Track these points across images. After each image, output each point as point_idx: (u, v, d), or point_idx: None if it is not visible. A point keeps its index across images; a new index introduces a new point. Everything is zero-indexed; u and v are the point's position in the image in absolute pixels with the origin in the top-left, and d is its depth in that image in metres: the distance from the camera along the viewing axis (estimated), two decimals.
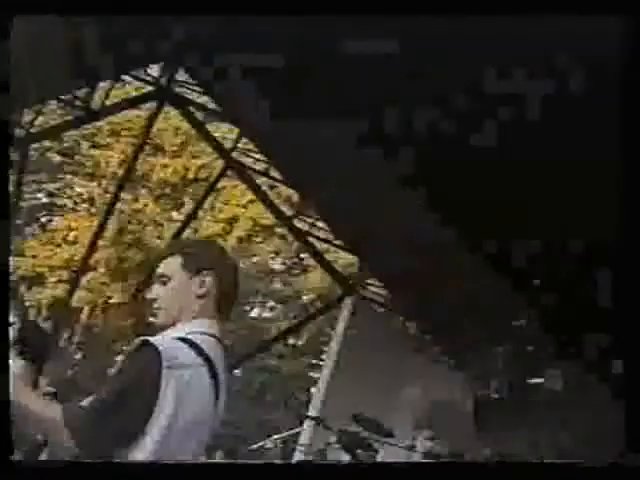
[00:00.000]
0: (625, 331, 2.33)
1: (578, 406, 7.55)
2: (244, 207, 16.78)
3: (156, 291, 2.41)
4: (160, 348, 2.19)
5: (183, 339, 2.27)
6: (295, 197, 9.77)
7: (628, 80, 2.47)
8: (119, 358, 2.53)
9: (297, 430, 7.79)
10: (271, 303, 18.81)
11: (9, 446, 2.11)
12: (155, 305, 2.41)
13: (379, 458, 6.57)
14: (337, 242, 10.17)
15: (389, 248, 8.53)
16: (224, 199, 16.97)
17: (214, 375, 2.32)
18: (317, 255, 10.39)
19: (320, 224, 9.70)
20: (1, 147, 2.35)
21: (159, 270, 2.44)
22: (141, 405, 2.15)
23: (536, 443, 7.98)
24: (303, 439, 9.05)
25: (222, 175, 10.11)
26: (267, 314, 18.87)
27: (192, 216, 11.05)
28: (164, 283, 2.40)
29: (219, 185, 11.67)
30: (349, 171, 7.71)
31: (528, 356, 7.98)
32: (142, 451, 2.15)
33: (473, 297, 8.33)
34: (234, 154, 9.37)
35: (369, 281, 9.71)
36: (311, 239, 9.91)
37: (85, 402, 2.19)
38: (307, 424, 8.56)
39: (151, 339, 2.23)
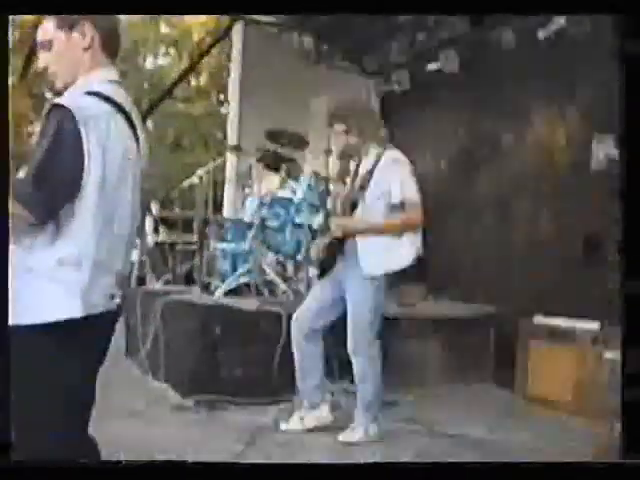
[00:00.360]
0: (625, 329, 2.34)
1: None
2: None
3: (43, 60, 2.44)
4: (70, 105, 2.23)
5: (89, 92, 2.33)
6: None
7: (628, 80, 2.44)
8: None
9: (219, 161, 7.92)
10: (163, 49, 18.28)
11: (9, 445, 2.15)
12: (49, 72, 2.44)
13: (305, 167, 6.86)
14: None
15: None
16: None
17: (129, 120, 2.42)
18: None
19: None
20: (1, 145, 2.27)
21: (38, 39, 2.44)
22: (71, 160, 2.22)
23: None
24: (229, 169, 9.37)
25: None
26: (162, 61, 18.42)
27: None
28: (48, 49, 2.41)
29: None
30: None
31: (422, 45, 8.09)
32: (84, 202, 2.25)
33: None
34: None
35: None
36: None
37: (21, 173, 2.24)
38: (229, 155, 8.76)
39: (59, 100, 2.27)
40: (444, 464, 2.43)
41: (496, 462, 2.30)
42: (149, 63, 18.45)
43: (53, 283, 2.25)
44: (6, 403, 2.12)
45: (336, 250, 4.67)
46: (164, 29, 17.75)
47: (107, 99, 2.34)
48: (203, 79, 17.55)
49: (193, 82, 17.28)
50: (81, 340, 2.32)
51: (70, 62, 2.41)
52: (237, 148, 7.46)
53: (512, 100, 7.46)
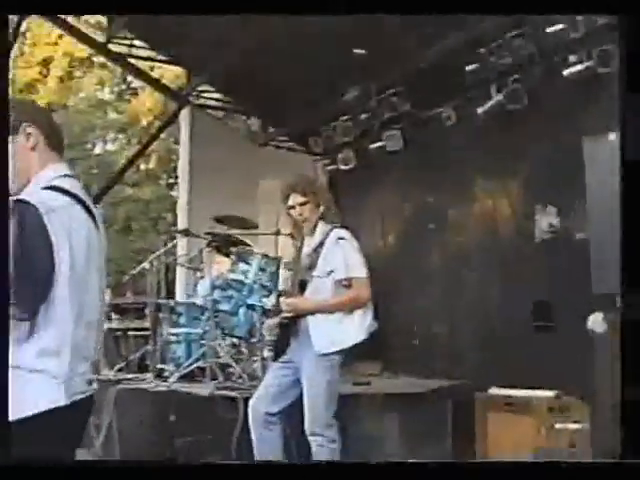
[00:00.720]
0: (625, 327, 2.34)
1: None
2: (55, 44, 15.86)
3: None
4: (32, 200, 2.30)
5: (47, 187, 2.41)
6: (104, 20, 9.30)
7: (628, 80, 2.43)
8: None
9: (170, 245, 7.92)
10: (111, 135, 18.38)
11: (8, 445, 2.16)
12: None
13: (255, 249, 6.92)
14: (160, 57, 9.93)
15: (213, 53, 8.44)
16: (32, 41, 15.98)
17: (88, 209, 2.49)
18: (142, 75, 10.13)
19: (138, 42, 9.40)
20: (1, 147, 2.33)
21: None
22: (42, 256, 2.27)
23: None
24: (180, 252, 9.35)
25: (22, 18, 9.45)
26: (111, 147, 18.48)
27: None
28: None
29: (22, 28, 10.92)
30: None
31: (364, 124, 8.29)
32: (58, 292, 2.30)
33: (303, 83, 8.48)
34: None
35: (201, 88, 9.63)
36: (132, 60, 9.59)
37: None
38: (178, 238, 8.75)
39: (20, 196, 2.33)
40: (444, 464, 2.42)
41: (496, 462, 2.37)
42: (98, 148, 18.51)
43: (35, 374, 2.28)
44: (5, 403, 2.15)
45: (289, 330, 4.66)
46: (112, 115, 17.91)
47: (64, 191, 2.41)
48: (152, 162, 17.64)
49: (142, 166, 17.35)
50: (63, 427, 2.33)
51: (20, 165, 2.48)
52: (186, 232, 7.47)
53: (456, 174, 7.64)
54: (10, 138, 2.45)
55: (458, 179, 7.67)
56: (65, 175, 2.51)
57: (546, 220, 6.84)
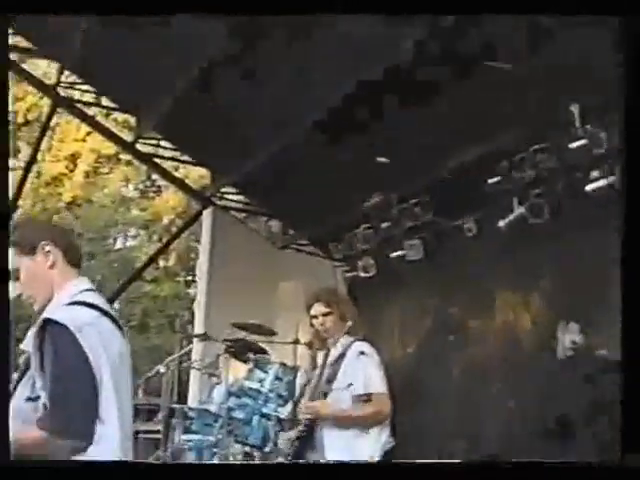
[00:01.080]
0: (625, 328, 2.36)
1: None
2: (83, 141, 16.23)
3: (16, 288, 2.54)
4: (62, 319, 2.34)
5: (74, 302, 2.48)
6: (132, 121, 9.55)
7: (628, 79, 2.44)
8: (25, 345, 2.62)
9: (187, 349, 7.91)
10: (133, 231, 18.55)
11: (8, 446, 2.17)
12: (24, 297, 2.57)
13: (273, 357, 6.85)
14: (184, 158, 10.12)
15: (238, 155, 8.60)
16: (60, 136, 16.35)
17: (113, 319, 2.56)
18: (167, 175, 10.29)
19: (164, 143, 9.59)
20: (1, 151, 2.46)
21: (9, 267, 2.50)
22: (83, 374, 2.32)
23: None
24: (195, 356, 9.24)
25: (53, 113, 9.73)
26: (131, 242, 18.63)
27: (31, 161, 10.60)
28: (17, 278, 2.53)
29: (52, 123, 11.20)
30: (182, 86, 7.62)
31: (385, 232, 8.31)
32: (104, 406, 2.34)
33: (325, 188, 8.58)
34: (59, 90, 9.04)
35: (224, 190, 9.75)
36: (158, 160, 9.78)
37: (42, 409, 2.33)
38: (195, 341, 8.70)
39: (49, 315, 2.38)
40: (444, 464, 2.41)
41: (496, 462, 2.32)
42: (119, 243, 18.68)
43: None
44: (6, 403, 2.19)
45: (305, 443, 4.56)
46: (135, 211, 18.11)
47: (90, 305, 2.47)
48: (172, 260, 17.73)
49: (161, 263, 17.43)
50: None
51: (42, 283, 2.53)
52: (204, 336, 7.42)
53: (477, 286, 7.58)
54: (26, 257, 2.52)
55: (479, 291, 7.59)
56: (87, 289, 2.57)
57: (569, 337, 6.72)
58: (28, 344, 2.42)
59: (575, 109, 6.20)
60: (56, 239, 2.58)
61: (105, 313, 2.50)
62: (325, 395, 4.61)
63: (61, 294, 2.51)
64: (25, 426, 2.31)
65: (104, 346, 2.37)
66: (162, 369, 7.03)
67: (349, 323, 4.67)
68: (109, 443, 2.35)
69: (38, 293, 2.54)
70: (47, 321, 2.35)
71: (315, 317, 4.73)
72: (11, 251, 2.49)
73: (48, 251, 2.54)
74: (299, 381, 6.11)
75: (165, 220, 17.34)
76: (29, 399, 2.37)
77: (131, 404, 2.57)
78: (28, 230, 2.61)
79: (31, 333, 2.41)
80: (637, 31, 2.39)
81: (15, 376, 2.45)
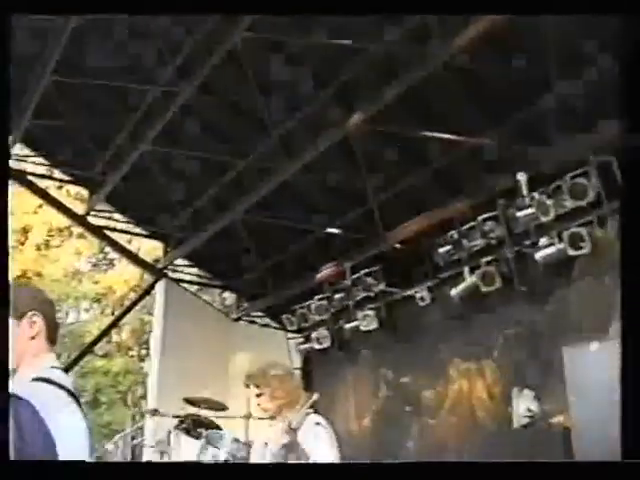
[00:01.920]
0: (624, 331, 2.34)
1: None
2: (35, 213, 16.04)
3: None
4: (26, 395, 2.25)
5: (40, 379, 2.38)
6: (85, 192, 9.47)
7: (628, 80, 2.43)
8: None
9: (137, 426, 7.69)
10: (85, 304, 18.23)
11: (7, 446, 2.12)
12: None
13: (225, 434, 6.69)
14: (137, 230, 10.05)
15: (190, 227, 8.59)
16: (11, 209, 16.17)
17: (77, 401, 2.44)
18: (119, 247, 10.19)
19: (116, 215, 9.54)
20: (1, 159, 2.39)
21: None
22: (46, 454, 2.20)
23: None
24: (147, 433, 8.99)
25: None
26: (84, 316, 18.30)
27: None
28: None
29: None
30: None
31: (339, 303, 8.29)
32: None
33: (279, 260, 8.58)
34: (10, 162, 8.97)
35: (177, 262, 9.69)
36: (110, 232, 9.70)
37: None
38: (147, 417, 8.47)
39: (14, 391, 2.26)
40: (444, 464, 2.44)
41: (496, 462, 2.22)
42: (71, 317, 18.32)
43: None
44: (5, 403, 2.12)
45: None
46: (87, 284, 17.83)
47: (56, 384, 2.38)
48: (124, 334, 17.44)
49: (114, 337, 17.12)
50: None
51: (15, 350, 2.45)
52: (155, 412, 7.20)
53: (430, 355, 7.56)
54: (15, 322, 2.47)
55: (433, 360, 7.56)
56: (54, 367, 2.49)
57: (524, 405, 6.69)
58: None
59: (522, 177, 6.29)
60: (45, 312, 2.55)
61: (70, 393, 2.43)
62: None
63: (29, 367, 2.45)
64: None
65: (68, 426, 2.31)
66: (110, 447, 6.80)
67: (280, 401, 4.63)
68: None
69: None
70: (11, 396, 2.24)
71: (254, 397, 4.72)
72: None
73: (34, 322, 2.50)
74: (254, 457, 5.96)
75: (118, 293, 17.17)
76: None
77: None
78: (23, 295, 2.56)
79: None
80: (637, 31, 2.41)
81: None
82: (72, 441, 2.33)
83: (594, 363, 5.35)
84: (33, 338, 2.49)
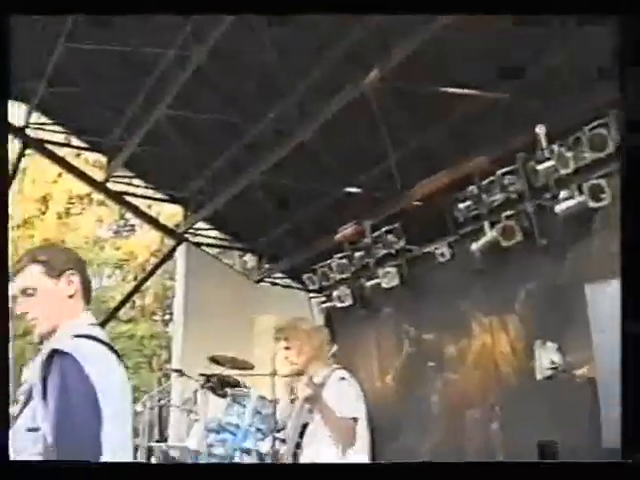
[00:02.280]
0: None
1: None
2: (54, 182, 16.12)
3: (24, 305, 2.49)
4: (71, 350, 2.29)
5: (81, 335, 2.41)
6: (103, 159, 9.50)
7: (628, 80, 2.42)
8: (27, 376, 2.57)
9: (164, 386, 7.78)
10: (107, 271, 18.40)
11: (7, 446, 2.16)
12: (29, 318, 2.48)
13: (251, 391, 6.76)
14: (158, 195, 10.08)
15: (210, 190, 8.59)
16: (31, 178, 16.25)
17: (118, 356, 2.51)
18: (140, 212, 10.24)
19: (136, 181, 9.57)
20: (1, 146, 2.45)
21: (20, 284, 2.49)
22: (90, 410, 2.25)
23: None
24: (173, 394, 9.11)
25: (22, 155, 9.67)
26: (107, 282, 18.46)
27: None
28: (30, 295, 2.48)
29: (21, 165, 11.14)
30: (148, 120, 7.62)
31: (360, 261, 8.29)
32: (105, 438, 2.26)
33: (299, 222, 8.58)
34: (28, 131, 9.01)
35: (197, 226, 9.72)
36: (130, 198, 9.74)
37: (42, 441, 2.24)
38: (173, 379, 8.57)
39: (58, 346, 2.31)
40: (444, 464, 2.34)
41: (496, 462, 2.20)
42: (94, 284, 18.44)
43: None
44: (5, 403, 2.16)
45: None
46: (109, 251, 17.96)
47: (98, 340, 2.42)
48: (148, 299, 17.57)
49: (138, 302, 17.26)
50: None
51: (55, 309, 2.49)
52: (180, 372, 7.29)
53: (453, 311, 7.56)
54: (50, 279, 2.49)
55: (455, 315, 7.57)
56: (93, 324, 2.54)
57: (547, 357, 6.70)
58: (32, 374, 2.36)
59: (541, 130, 6.23)
60: (81, 271, 2.59)
61: (111, 348, 2.49)
62: (306, 426, 4.47)
63: (68, 325, 2.48)
64: (24, 458, 2.26)
65: (110, 380, 2.35)
66: (139, 408, 6.90)
67: (307, 355, 4.58)
68: None
69: (47, 317, 2.49)
70: (55, 352, 2.31)
71: (281, 352, 4.69)
72: (35, 268, 2.50)
73: (72, 281, 2.53)
74: (280, 413, 6.01)
75: (140, 259, 17.29)
76: (29, 430, 2.31)
77: (131, 441, 2.52)
78: (60, 254, 2.61)
79: (36, 363, 2.37)
80: (637, 31, 2.41)
81: (16, 408, 2.40)
82: (115, 396, 2.36)
83: (616, 299, 5.32)
84: (71, 297, 2.52)
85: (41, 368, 2.30)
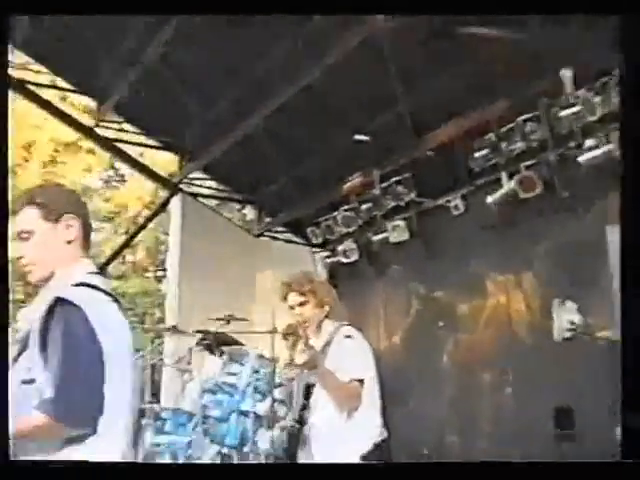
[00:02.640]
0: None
1: None
2: (39, 128, 15.57)
3: (20, 249, 2.41)
4: (75, 301, 2.22)
5: (83, 284, 2.34)
6: (92, 104, 9.04)
7: (628, 80, 2.41)
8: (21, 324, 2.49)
9: (157, 344, 7.53)
10: (97, 224, 18.01)
11: (7, 446, 2.10)
12: (24, 262, 2.40)
13: (249, 349, 6.47)
14: (151, 142, 9.65)
15: (207, 137, 8.20)
16: (14, 124, 15.71)
17: (120, 306, 2.43)
18: (131, 161, 9.79)
19: (128, 126, 9.12)
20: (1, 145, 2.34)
21: (16, 227, 2.42)
22: (93, 361, 2.20)
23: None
24: (166, 352, 8.83)
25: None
26: (95, 237, 18.09)
27: None
28: (26, 239, 2.41)
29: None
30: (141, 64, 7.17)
31: (367, 214, 7.95)
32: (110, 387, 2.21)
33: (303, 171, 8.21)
34: (11, 71, 8.48)
35: (193, 176, 9.33)
36: (121, 145, 9.29)
37: (37, 393, 2.18)
38: (166, 335, 8.29)
39: (61, 294, 2.23)
40: (444, 464, 2.38)
41: (496, 462, 2.26)
42: None
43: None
44: (5, 403, 2.10)
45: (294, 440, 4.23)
46: (98, 203, 17.55)
47: (99, 289, 2.36)
48: (139, 254, 17.27)
49: (129, 257, 16.95)
50: None
51: (52, 255, 2.42)
52: (174, 329, 6.99)
53: (466, 268, 7.28)
54: (48, 222, 2.42)
55: (468, 273, 7.26)
56: (93, 272, 2.46)
57: (566, 317, 6.38)
58: (31, 322, 2.27)
59: (567, 74, 5.85)
60: (82, 216, 2.49)
61: (113, 298, 2.42)
62: (310, 387, 4.30)
63: (68, 273, 2.38)
64: (17, 410, 2.15)
65: (113, 330, 2.29)
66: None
67: (326, 308, 4.37)
68: (111, 435, 2.24)
69: (43, 263, 2.40)
70: (58, 300, 2.21)
71: (292, 307, 4.41)
72: (31, 211, 2.41)
73: (71, 225, 2.44)
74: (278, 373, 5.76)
75: (131, 211, 16.90)
76: (24, 382, 2.22)
77: (135, 394, 2.44)
78: (58, 196, 2.49)
79: (32, 310, 2.32)
80: (637, 31, 2.37)
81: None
82: (117, 343, 2.29)
83: None
84: (69, 243, 2.43)
85: (42, 316, 2.23)
